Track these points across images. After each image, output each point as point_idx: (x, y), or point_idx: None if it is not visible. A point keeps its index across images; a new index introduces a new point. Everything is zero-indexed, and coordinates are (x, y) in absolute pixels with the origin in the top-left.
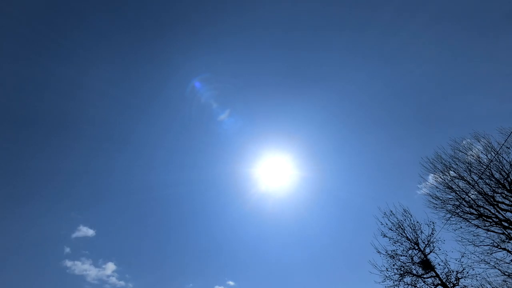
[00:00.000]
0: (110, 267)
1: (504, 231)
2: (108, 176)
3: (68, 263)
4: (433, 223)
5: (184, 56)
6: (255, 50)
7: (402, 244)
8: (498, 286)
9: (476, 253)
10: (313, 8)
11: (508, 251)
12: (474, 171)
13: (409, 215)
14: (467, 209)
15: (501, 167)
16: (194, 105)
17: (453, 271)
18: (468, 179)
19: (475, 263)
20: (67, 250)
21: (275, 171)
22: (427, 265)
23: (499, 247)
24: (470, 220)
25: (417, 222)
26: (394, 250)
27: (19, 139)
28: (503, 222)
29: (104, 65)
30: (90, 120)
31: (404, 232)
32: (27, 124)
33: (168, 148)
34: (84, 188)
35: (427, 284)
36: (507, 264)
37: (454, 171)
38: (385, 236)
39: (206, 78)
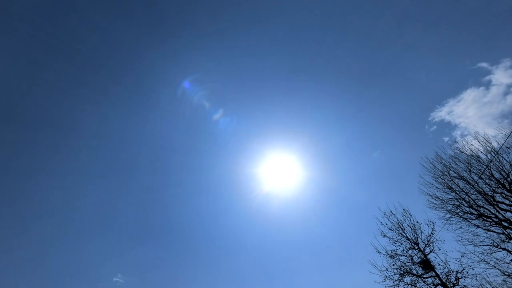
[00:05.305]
0: None
1: (504, 231)
2: (108, 176)
3: None
4: (433, 223)
5: (171, 57)
6: (251, 49)
7: (402, 244)
8: (498, 286)
9: (476, 253)
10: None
11: (508, 251)
12: (474, 171)
13: (409, 215)
14: (467, 209)
15: (501, 167)
16: (187, 106)
17: (453, 271)
18: (468, 179)
19: (475, 263)
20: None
21: (278, 171)
22: (427, 265)
23: (499, 247)
24: (470, 220)
25: (417, 222)
26: (394, 250)
27: (19, 138)
28: (503, 222)
29: (104, 66)
30: (87, 119)
31: (404, 232)
32: (27, 123)
33: (167, 149)
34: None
35: (427, 284)
36: (507, 264)
37: (454, 171)
38: (385, 236)
39: (196, 79)
